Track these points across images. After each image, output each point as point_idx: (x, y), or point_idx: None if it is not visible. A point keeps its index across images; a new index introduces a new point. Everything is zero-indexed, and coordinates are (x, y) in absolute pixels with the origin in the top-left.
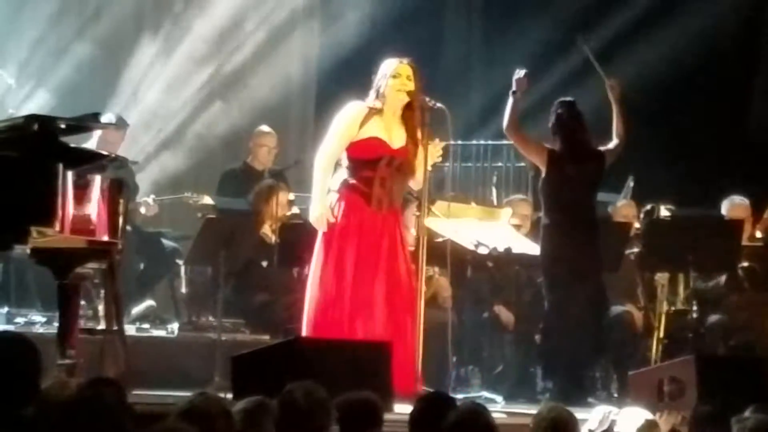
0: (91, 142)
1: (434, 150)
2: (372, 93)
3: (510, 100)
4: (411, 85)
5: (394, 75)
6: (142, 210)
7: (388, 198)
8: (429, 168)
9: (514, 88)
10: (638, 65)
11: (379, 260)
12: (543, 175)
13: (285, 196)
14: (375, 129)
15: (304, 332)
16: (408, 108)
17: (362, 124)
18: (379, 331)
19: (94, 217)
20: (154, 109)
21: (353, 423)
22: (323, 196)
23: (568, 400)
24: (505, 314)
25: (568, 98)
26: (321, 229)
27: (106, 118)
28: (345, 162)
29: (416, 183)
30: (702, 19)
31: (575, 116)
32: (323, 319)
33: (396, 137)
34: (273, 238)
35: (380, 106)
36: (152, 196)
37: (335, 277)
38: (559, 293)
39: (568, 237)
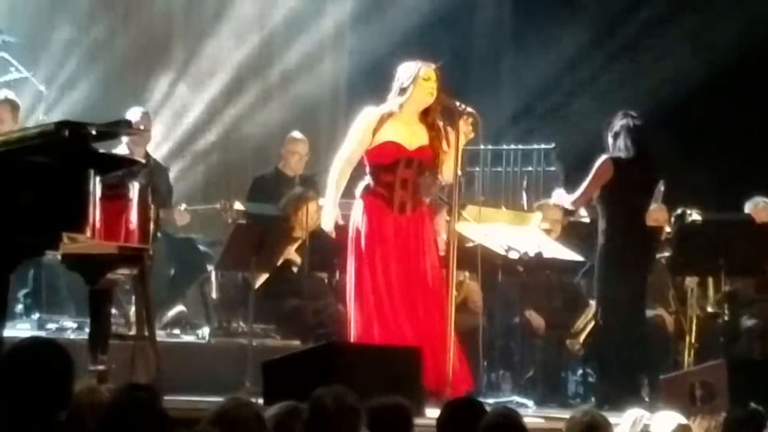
0: (121, 147)
1: (465, 128)
2: (395, 93)
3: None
4: (436, 90)
5: (425, 78)
6: (176, 218)
7: (411, 200)
8: (462, 151)
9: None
10: (667, 68)
11: (408, 263)
12: (607, 181)
13: (315, 203)
14: (390, 133)
15: (352, 339)
16: (425, 112)
17: (376, 130)
18: (411, 335)
19: (132, 224)
20: (185, 115)
21: (384, 428)
22: (335, 202)
23: (614, 404)
24: (536, 319)
25: (632, 111)
26: (331, 234)
27: (132, 112)
28: (367, 169)
29: (444, 179)
30: (730, 24)
31: (641, 129)
32: (369, 326)
33: (413, 139)
34: (299, 260)
35: (396, 109)
36: (184, 205)
37: (372, 284)
38: (625, 295)
39: (632, 241)
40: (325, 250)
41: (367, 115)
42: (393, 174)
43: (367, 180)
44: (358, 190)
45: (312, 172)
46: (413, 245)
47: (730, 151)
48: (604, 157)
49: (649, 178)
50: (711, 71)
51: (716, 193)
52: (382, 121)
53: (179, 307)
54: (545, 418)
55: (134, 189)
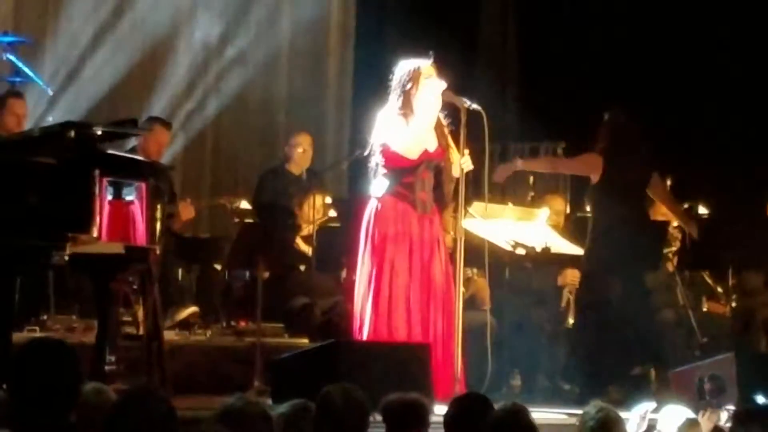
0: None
1: (465, 161)
2: (398, 94)
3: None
4: (442, 83)
5: (427, 75)
6: (181, 213)
7: (430, 200)
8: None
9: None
10: (677, 61)
11: (429, 262)
12: (597, 179)
13: (321, 199)
14: (410, 135)
15: (364, 336)
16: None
17: (398, 132)
18: (422, 333)
19: (139, 223)
20: (190, 113)
21: (400, 423)
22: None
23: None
24: (544, 315)
25: (618, 107)
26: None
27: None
28: (384, 170)
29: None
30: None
31: (625, 124)
32: (381, 325)
33: (430, 140)
34: (304, 247)
35: (410, 111)
36: (188, 200)
37: (391, 282)
38: (610, 296)
39: (621, 239)
40: (333, 247)
41: (388, 117)
42: (413, 175)
43: (386, 181)
44: (374, 190)
45: (320, 169)
46: (431, 245)
47: (742, 145)
48: (598, 149)
49: (642, 173)
50: (723, 66)
51: (728, 186)
52: (402, 123)
53: (191, 308)
54: (553, 413)
55: (141, 189)
